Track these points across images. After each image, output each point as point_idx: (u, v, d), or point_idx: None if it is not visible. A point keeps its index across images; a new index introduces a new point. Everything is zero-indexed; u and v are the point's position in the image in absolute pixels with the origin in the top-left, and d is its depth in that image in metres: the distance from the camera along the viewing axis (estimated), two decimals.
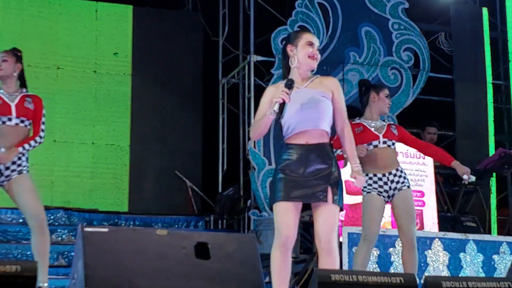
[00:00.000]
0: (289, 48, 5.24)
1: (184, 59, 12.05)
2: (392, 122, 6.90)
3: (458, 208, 9.87)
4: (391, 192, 6.51)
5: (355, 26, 11.48)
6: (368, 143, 6.57)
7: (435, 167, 9.41)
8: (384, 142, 6.57)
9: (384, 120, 6.82)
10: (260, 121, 5.11)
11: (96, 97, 11.55)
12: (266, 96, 5.22)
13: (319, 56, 5.27)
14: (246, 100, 11.13)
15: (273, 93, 5.14)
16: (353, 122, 6.64)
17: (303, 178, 5.03)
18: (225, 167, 11.72)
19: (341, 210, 5.21)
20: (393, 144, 6.61)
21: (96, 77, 11.60)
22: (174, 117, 11.86)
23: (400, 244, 6.77)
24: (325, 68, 11.14)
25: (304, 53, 5.20)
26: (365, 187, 6.60)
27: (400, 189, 6.50)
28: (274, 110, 4.96)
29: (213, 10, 12.04)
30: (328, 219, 5.07)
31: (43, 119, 6.58)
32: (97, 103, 11.54)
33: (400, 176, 6.53)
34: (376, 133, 6.61)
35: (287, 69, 5.28)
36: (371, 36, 11.52)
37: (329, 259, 5.06)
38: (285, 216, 5.03)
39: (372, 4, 11.60)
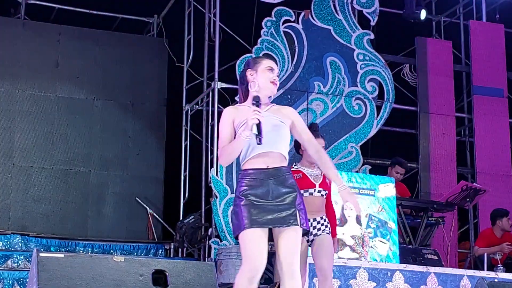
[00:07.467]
0: (249, 72, 5.13)
1: (148, 85, 11.99)
2: None
3: (420, 240, 9.85)
4: (311, 237, 6.70)
5: (320, 55, 11.48)
6: (305, 189, 6.69)
7: (398, 198, 9.39)
8: (319, 192, 6.77)
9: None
10: (234, 145, 4.94)
11: (56, 121, 11.40)
12: (226, 118, 5.07)
13: (278, 82, 5.14)
14: (210, 127, 11.06)
15: (234, 114, 5.04)
16: (292, 169, 6.81)
17: (269, 203, 4.90)
18: (186, 194, 11.63)
19: (307, 233, 5.19)
20: (325, 194, 6.81)
21: (58, 101, 11.46)
22: (137, 142, 11.76)
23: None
24: (289, 97, 11.12)
25: (265, 78, 5.08)
26: None
27: (319, 235, 6.68)
28: (254, 133, 4.82)
29: (178, 36, 12.00)
30: (294, 242, 4.93)
31: None
32: (57, 127, 11.39)
33: (322, 224, 6.73)
34: (313, 181, 6.80)
35: (245, 95, 5.17)
36: (336, 66, 11.52)
37: (291, 282, 4.88)
38: (256, 243, 4.82)
39: (337, 34, 11.60)
